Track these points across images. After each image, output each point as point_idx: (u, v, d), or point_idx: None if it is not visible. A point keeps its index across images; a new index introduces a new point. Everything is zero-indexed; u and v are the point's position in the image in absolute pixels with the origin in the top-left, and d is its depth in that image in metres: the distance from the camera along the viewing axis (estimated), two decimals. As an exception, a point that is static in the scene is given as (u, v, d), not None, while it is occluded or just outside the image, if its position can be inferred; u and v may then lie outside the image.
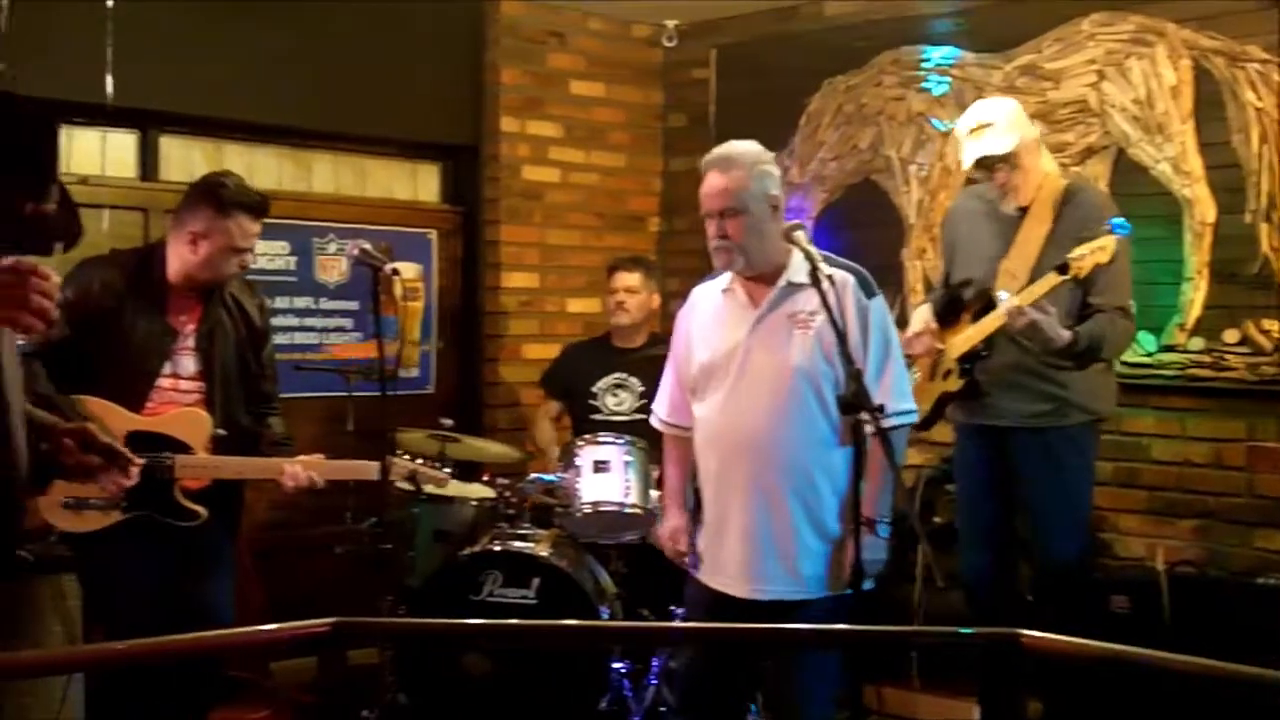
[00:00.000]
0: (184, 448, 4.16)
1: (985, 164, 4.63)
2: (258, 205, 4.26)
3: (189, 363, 4.25)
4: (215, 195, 4.20)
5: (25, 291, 2.56)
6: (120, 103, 5.39)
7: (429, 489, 4.79)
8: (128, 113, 5.56)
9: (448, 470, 4.77)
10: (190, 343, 4.25)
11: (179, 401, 4.22)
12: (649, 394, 5.39)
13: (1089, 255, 4.31)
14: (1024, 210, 4.66)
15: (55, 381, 3.64)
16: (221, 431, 4.24)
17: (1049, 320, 4.37)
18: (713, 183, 3.79)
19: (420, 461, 4.65)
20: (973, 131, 4.65)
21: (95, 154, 5.70)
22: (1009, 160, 4.60)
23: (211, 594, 4.31)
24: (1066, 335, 4.44)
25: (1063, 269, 4.34)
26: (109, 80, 5.32)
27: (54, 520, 4.06)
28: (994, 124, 4.61)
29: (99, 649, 2.89)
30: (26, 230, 2.69)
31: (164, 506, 4.15)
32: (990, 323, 4.56)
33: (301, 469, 4.29)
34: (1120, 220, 4.42)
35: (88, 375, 4.05)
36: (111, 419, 4.03)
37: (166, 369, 4.21)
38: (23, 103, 2.79)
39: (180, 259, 4.21)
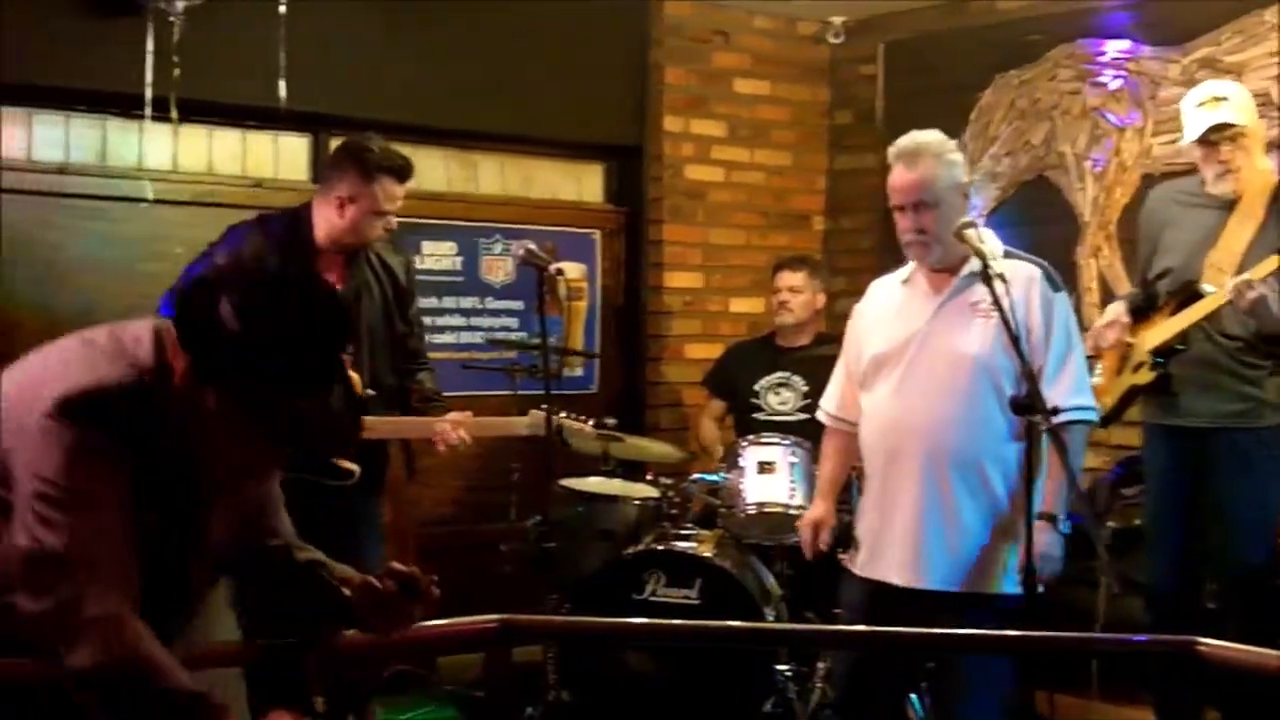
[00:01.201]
0: None
1: (1213, 138, 4.47)
2: (402, 169, 4.30)
3: None
4: (361, 160, 4.25)
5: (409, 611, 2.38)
6: (292, 106, 5.50)
7: (574, 441, 4.84)
8: (300, 116, 5.66)
9: (592, 423, 4.85)
10: None
11: None
12: (813, 394, 5.33)
13: None
14: (1232, 203, 4.51)
15: None
16: (371, 391, 4.27)
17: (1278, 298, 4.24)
18: (902, 177, 3.73)
19: (564, 415, 4.68)
20: (1203, 104, 4.51)
21: (269, 157, 5.84)
22: (1238, 137, 4.46)
23: (362, 556, 4.35)
24: None
25: None
26: (282, 84, 5.43)
27: None
28: (1229, 99, 4.49)
29: (260, 644, 2.91)
30: (302, 431, 2.23)
31: (319, 467, 4.19)
32: (1197, 310, 4.43)
33: (451, 427, 4.34)
34: None
35: None
36: None
37: None
38: (320, 286, 2.35)
39: (327, 223, 4.27)
